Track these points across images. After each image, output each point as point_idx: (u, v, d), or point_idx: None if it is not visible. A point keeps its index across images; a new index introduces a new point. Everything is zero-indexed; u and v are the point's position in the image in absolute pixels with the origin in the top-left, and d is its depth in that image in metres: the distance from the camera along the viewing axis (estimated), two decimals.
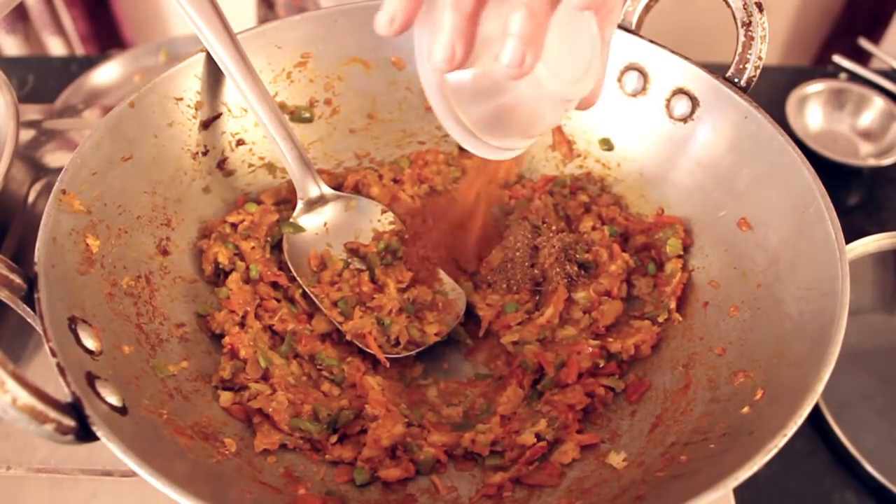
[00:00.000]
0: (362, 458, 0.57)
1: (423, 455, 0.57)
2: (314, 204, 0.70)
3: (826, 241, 0.54)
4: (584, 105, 0.54)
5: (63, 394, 0.43)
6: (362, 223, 0.71)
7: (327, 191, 0.70)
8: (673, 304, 0.64)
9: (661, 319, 0.64)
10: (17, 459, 0.65)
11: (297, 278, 0.67)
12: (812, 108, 1.06)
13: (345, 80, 0.75)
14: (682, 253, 0.67)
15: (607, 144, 0.74)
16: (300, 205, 0.70)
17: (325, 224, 0.70)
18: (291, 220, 0.70)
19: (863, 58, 1.18)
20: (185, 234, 0.67)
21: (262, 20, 1.23)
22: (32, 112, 0.99)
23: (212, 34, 0.63)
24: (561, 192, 0.74)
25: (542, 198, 0.73)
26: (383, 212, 0.72)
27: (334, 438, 0.59)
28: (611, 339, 0.63)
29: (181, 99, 0.66)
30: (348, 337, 0.64)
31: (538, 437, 0.58)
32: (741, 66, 0.63)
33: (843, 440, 0.71)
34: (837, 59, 1.12)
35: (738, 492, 0.63)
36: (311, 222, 0.70)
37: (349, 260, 0.70)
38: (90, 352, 0.50)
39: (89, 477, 0.64)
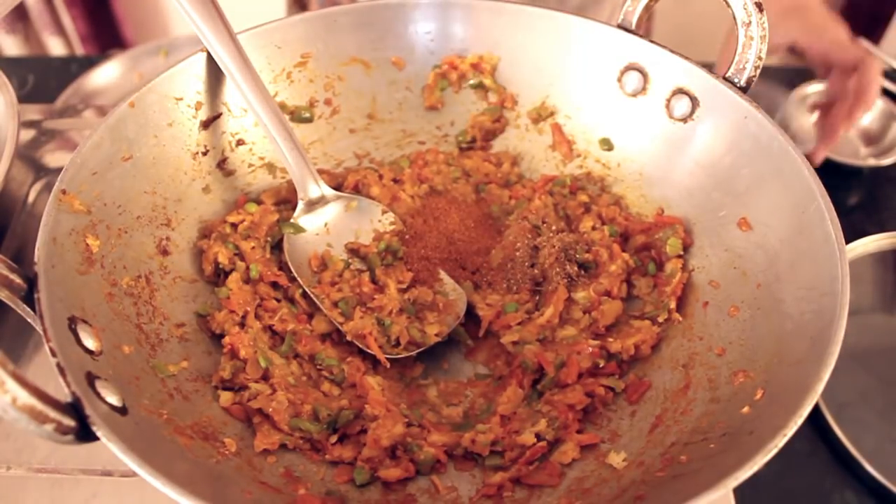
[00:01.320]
0: (362, 458, 0.57)
1: (423, 455, 0.57)
2: (315, 204, 0.70)
3: (826, 241, 0.54)
4: None
5: (63, 394, 0.43)
6: (363, 223, 0.71)
7: (328, 191, 0.70)
8: (673, 304, 0.64)
9: (661, 319, 0.64)
10: (18, 459, 0.65)
11: (298, 279, 0.67)
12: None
13: (345, 80, 0.76)
14: (682, 253, 0.67)
15: (607, 144, 0.74)
16: (301, 205, 0.70)
17: (326, 224, 0.70)
18: (292, 220, 0.70)
19: None
20: (185, 234, 0.67)
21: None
22: (32, 112, 1.00)
23: (212, 34, 0.63)
24: (561, 191, 0.74)
25: (542, 198, 0.73)
26: (384, 212, 0.72)
27: (334, 438, 0.59)
28: (611, 339, 0.63)
29: (181, 99, 0.66)
30: (349, 337, 0.64)
31: (538, 437, 0.58)
32: (741, 66, 0.63)
33: (843, 440, 0.71)
34: None
35: (739, 492, 0.63)
36: (311, 223, 0.70)
37: (350, 260, 0.70)
38: (90, 352, 0.50)
39: (89, 477, 0.64)
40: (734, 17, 0.62)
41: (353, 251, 0.70)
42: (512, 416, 0.60)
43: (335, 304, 0.66)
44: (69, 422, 0.41)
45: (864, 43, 1.21)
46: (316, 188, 0.70)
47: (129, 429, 0.46)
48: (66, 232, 0.55)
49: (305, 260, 0.69)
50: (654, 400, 0.60)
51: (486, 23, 0.74)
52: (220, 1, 0.63)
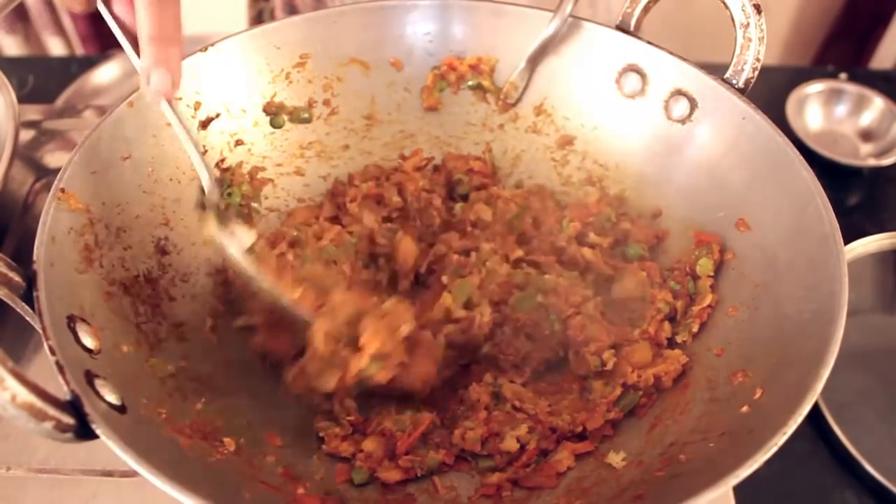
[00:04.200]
0: (361, 457, 0.57)
1: (429, 460, 0.57)
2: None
3: (824, 240, 0.54)
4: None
5: (62, 392, 0.43)
6: None
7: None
8: (696, 327, 0.62)
9: (679, 340, 0.62)
10: (17, 460, 0.65)
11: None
12: (812, 109, 1.06)
13: (343, 81, 0.75)
14: (712, 273, 0.63)
15: (606, 145, 0.74)
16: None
17: None
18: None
19: (863, 58, 1.18)
20: (184, 233, 0.67)
21: (254, 20, 1.22)
22: (32, 112, 0.99)
23: None
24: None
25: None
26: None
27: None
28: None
29: (180, 99, 0.66)
30: None
31: (521, 444, 0.57)
32: (739, 68, 0.63)
33: (843, 440, 0.71)
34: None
35: (739, 492, 0.63)
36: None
37: None
38: (89, 350, 0.50)
39: (89, 477, 0.64)
40: (732, 19, 0.62)
41: None
42: (490, 418, 0.59)
43: None
44: (68, 420, 0.41)
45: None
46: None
47: (128, 427, 0.46)
48: (64, 231, 0.55)
49: None
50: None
51: (484, 24, 0.74)
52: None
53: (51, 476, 0.65)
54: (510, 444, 0.57)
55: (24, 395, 0.38)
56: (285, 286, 0.60)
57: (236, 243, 0.62)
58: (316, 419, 0.61)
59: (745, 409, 0.51)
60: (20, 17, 1.72)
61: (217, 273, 0.68)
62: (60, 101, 1.09)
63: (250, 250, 0.62)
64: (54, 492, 0.64)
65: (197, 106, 0.68)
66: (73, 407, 0.42)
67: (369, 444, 0.58)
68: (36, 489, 0.64)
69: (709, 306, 0.62)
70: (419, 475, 0.58)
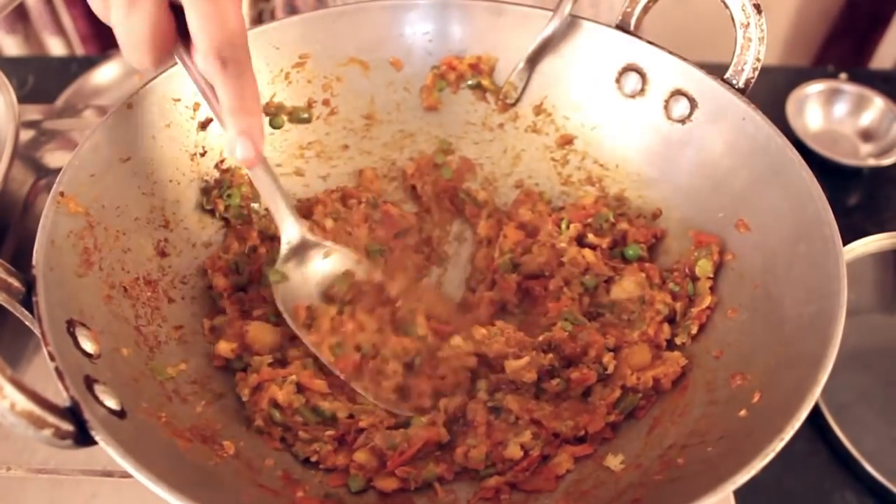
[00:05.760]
0: (355, 465, 0.57)
1: (426, 473, 0.57)
2: (296, 251, 0.65)
3: (824, 241, 0.53)
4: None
5: (61, 398, 0.43)
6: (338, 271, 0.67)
7: (308, 237, 0.65)
8: (695, 329, 0.62)
9: (678, 342, 0.62)
10: (17, 460, 0.65)
11: (293, 327, 0.63)
12: (812, 109, 1.06)
13: (343, 81, 0.75)
14: (711, 274, 0.63)
15: (606, 145, 0.74)
16: (284, 250, 0.64)
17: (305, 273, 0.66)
18: (277, 268, 0.64)
19: (863, 58, 1.18)
20: (184, 235, 0.67)
21: (254, 20, 1.22)
22: (32, 112, 0.99)
23: None
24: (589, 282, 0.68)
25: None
26: (358, 261, 0.67)
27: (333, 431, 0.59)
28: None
29: (179, 100, 0.66)
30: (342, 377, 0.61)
31: (525, 451, 0.57)
32: (739, 68, 0.63)
33: (843, 441, 0.71)
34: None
35: (738, 492, 0.63)
36: (294, 270, 0.65)
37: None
38: (88, 355, 0.50)
39: (89, 478, 0.64)
40: (732, 19, 0.62)
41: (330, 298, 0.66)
42: (492, 429, 0.59)
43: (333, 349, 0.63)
44: (67, 426, 0.41)
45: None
46: (297, 233, 0.64)
47: (127, 432, 0.46)
48: (64, 234, 0.55)
49: (293, 308, 0.64)
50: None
51: (484, 23, 0.74)
52: None
53: (51, 476, 0.65)
54: (514, 452, 0.57)
55: (23, 402, 0.38)
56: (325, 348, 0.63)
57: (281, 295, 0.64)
58: (297, 446, 0.59)
59: (743, 412, 0.51)
60: (20, 17, 1.72)
61: (203, 275, 0.67)
62: (60, 101, 1.09)
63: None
64: (54, 492, 0.64)
65: (196, 107, 0.68)
66: (73, 413, 0.42)
67: (361, 457, 0.57)
68: (36, 489, 0.64)
69: (708, 308, 0.62)
70: (415, 487, 0.57)
